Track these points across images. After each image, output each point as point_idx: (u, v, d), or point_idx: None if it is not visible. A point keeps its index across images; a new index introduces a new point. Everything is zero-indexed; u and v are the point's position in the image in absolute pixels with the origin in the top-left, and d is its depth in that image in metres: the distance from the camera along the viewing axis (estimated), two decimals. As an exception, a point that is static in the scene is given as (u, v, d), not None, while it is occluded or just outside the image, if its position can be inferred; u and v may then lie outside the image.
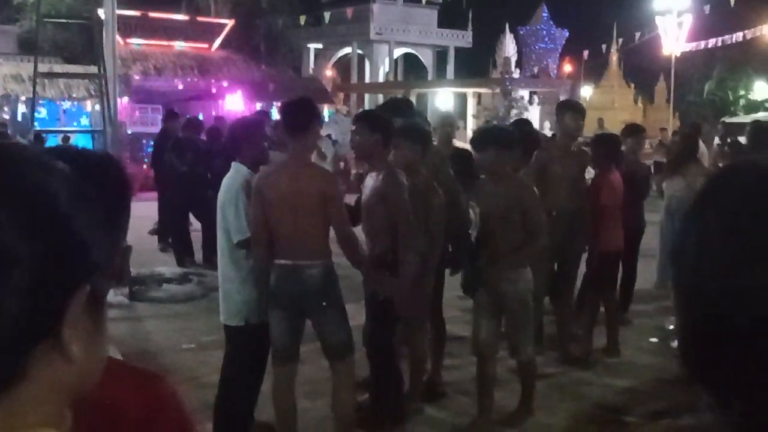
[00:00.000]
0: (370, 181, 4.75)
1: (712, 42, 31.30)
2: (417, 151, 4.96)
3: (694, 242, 0.73)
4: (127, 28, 21.26)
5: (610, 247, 6.16)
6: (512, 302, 4.81)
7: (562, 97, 30.17)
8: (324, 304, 4.30)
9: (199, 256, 9.95)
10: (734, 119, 27.57)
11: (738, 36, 30.05)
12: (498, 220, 4.78)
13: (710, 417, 0.75)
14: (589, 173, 6.50)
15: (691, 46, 31.74)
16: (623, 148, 6.88)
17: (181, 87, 22.26)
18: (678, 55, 30.45)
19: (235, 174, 4.60)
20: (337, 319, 4.34)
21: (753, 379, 0.68)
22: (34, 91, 10.10)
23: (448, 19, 43.73)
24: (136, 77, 21.40)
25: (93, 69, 9.40)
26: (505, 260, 4.77)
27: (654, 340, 6.55)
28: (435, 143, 5.62)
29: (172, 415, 1.12)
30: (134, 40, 22.04)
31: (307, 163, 4.40)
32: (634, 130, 7.64)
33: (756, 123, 8.48)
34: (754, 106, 36.75)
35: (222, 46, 24.64)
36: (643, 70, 38.36)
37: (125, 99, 19.77)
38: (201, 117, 14.17)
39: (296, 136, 4.32)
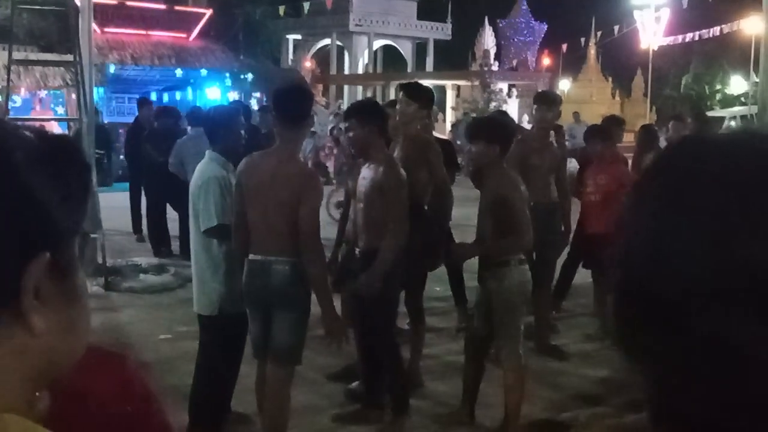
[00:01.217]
0: (368, 172, 4.68)
1: (689, 36, 31.53)
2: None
3: (628, 216, 0.71)
4: (104, 16, 21.00)
5: None
6: (495, 301, 4.61)
7: (540, 90, 30.33)
8: (285, 303, 4.11)
9: (175, 246, 9.88)
10: (711, 113, 27.78)
11: (715, 30, 30.30)
12: (482, 215, 4.73)
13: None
14: (572, 163, 6.61)
15: (669, 41, 31.95)
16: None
17: (158, 77, 22.06)
18: (655, 49, 30.66)
19: (209, 162, 4.55)
20: (293, 322, 4.13)
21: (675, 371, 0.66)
22: (8, 80, 9.93)
23: (427, 12, 43.69)
24: (113, 66, 21.18)
25: (69, 57, 9.27)
26: (489, 257, 4.68)
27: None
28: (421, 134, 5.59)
29: (137, 394, 1.09)
30: (111, 29, 21.80)
31: (291, 156, 4.21)
32: (615, 122, 7.67)
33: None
34: (730, 101, 37.12)
35: (200, 35, 24.42)
36: (620, 64, 38.60)
37: (101, 89, 19.58)
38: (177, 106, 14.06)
39: (288, 126, 4.17)
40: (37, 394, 0.75)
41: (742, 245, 0.62)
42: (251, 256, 4.18)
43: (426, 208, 5.43)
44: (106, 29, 21.53)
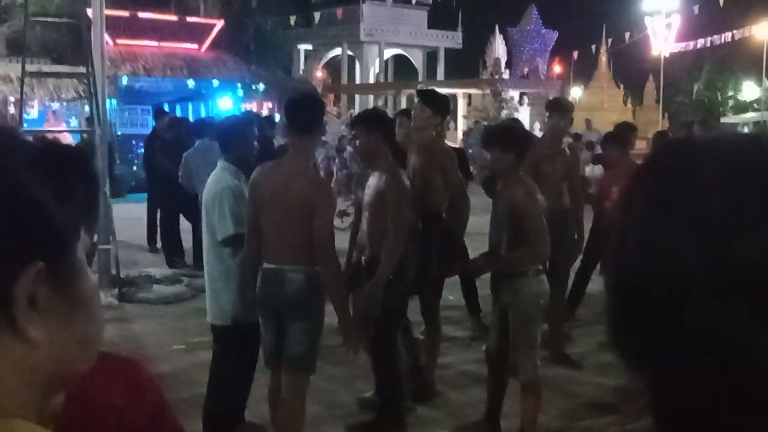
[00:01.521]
0: (373, 180, 4.72)
1: (700, 42, 31.43)
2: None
3: (620, 216, 0.72)
4: (116, 28, 21.14)
5: None
6: (512, 313, 4.54)
7: (551, 98, 30.26)
8: (298, 311, 4.10)
9: (189, 256, 9.91)
10: (724, 120, 27.66)
11: (726, 36, 30.19)
12: (497, 224, 4.67)
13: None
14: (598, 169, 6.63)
15: (680, 47, 31.86)
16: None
17: (170, 87, 22.17)
18: (667, 55, 30.56)
19: (221, 172, 4.57)
20: (306, 331, 4.12)
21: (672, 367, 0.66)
22: (22, 92, 10.00)
23: (438, 20, 43.81)
24: (126, 78, 21.31)
25: (81, 69, 9.35)
26: (505, 269, 4.60)
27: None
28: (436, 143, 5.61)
29: (149, 400, 1.09)
30: (123, 40, 21.94)
31: (304, 166, 4.21)
32: (628, 129, 7.66)
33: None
34: (742, 107, 36.94)
35: (211, 46, 24.54)
36: (632, 70, 38.50)
37: (114, 100, 19.70)
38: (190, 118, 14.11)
39: (300, 135, 4.17)
40: (46, 401, 0.75)
41: (735, 244, 0.62)
42: (265, 265, 4.18)
43: (444, 215, 5.44)
44: (119, 41, 21.67)
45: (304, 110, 4.26)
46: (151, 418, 1.07)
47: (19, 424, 0.69)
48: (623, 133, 7.27)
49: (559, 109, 6.27)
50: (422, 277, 5.02)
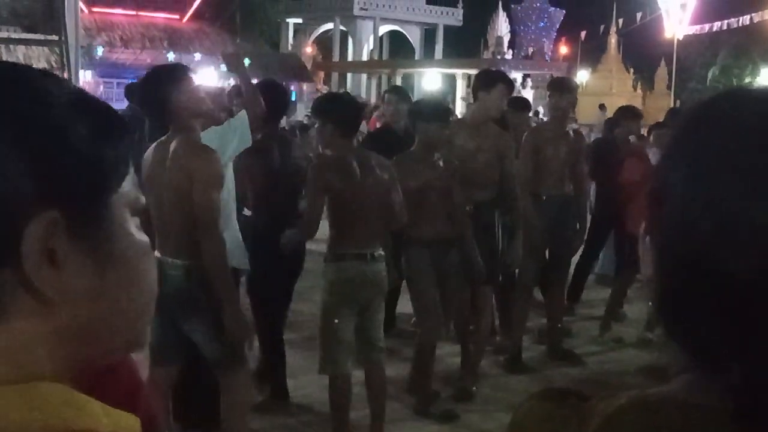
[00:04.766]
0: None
1: (717, 25, 31.50)
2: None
3: (682, 178, 0.70)
4: (93, -5, 21.11)
5: None
6: None
7: (557, 81, 30.29)
8: (187, 311, 3.81)
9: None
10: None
11: (745, 19, 30.27)
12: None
13: (684, 384, 0.72)
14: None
15: (695, 29, 31.92)
16: (619, 131, 7.27)
17: (149, 61, 22.12)
18: (680, 38, 30.63)
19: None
20: (204, 328, 3.84)
21: (753, 334, 0.66)
22: (-10, 60, 9.97)
23: (437, -5, 43.74)
24: (101, 49, 21.24)
25: (54, 38, 9.28)
26: None
27: (649, 335, 6.58)
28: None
29: (124, 381, 1.10)
30: (99, 8, 21.85)
31: (186, 141, 3.79)
32: (634, 114, 7.63)
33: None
34: (760, 95, 36.98)
35: (194, 17, 24.48)
36: (643, 54, 38.55)
37: (89, 72, 19.63)
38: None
39: (171, 108, 3.78)
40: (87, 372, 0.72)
41: None
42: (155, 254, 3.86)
43: None
44: (94, 8, 21.61)
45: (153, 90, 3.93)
46: (125, 400, 1.08)
47: (52, 387, 0.66)
48: (615, 118, 7.45)
49: (558, 88, 6.27)
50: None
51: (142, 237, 0.74)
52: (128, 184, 0.72)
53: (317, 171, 4.34)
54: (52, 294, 0.65)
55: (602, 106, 23.73)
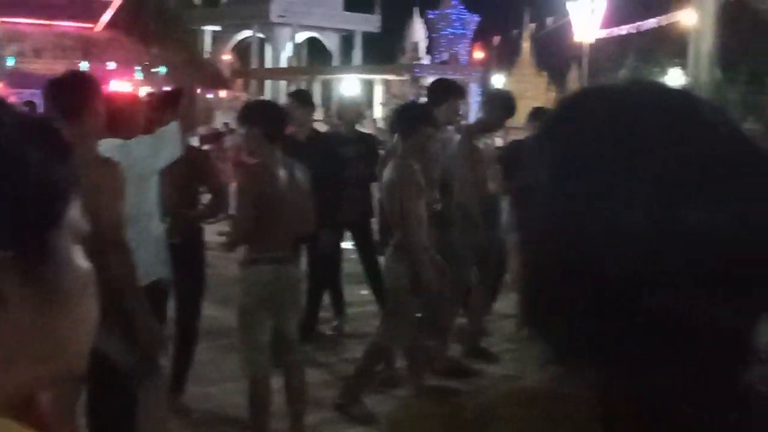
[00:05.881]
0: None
1: (625, 29, 32.31)
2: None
3: (545, 175, 0.69)
4: (1, 4, 20.52)
5: None
6: None
7: (473, 85, 30.74)
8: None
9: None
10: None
11: (652, 22, 31.11)
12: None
13: (553, 376, 0.73)
14: None
15: (604, 33, 32.69)
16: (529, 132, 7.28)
17: (62, 70, 21.67)
18: (592, 42, 31.30)
19: None
20: (116, 340, 3.66)
21: (614, 331, 0.65)
22: None
23: (354, 2, 43.82)
24: (13, 59, 20.72)
25: (-39, 49, 9.05)
26: None
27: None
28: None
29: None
30: (8, 18, 21.31)
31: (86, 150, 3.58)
32: (546, 115, 7.79)
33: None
34: (667, 96, 38.03)
35: (108, 25, 24.04)
36: (555, 57, 39.30)
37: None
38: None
39: (70, 120, 3.59)
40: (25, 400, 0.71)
41: (691, 213, 0.62)
42: None
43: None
44: (3, 18, 21.03)
45: (65, 91, 3.82)
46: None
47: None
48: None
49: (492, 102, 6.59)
50: None
51: (86, 266, 0.71)
52: (74, 211, 0.70)
53: (250, 180, 4.36)
54: None
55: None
